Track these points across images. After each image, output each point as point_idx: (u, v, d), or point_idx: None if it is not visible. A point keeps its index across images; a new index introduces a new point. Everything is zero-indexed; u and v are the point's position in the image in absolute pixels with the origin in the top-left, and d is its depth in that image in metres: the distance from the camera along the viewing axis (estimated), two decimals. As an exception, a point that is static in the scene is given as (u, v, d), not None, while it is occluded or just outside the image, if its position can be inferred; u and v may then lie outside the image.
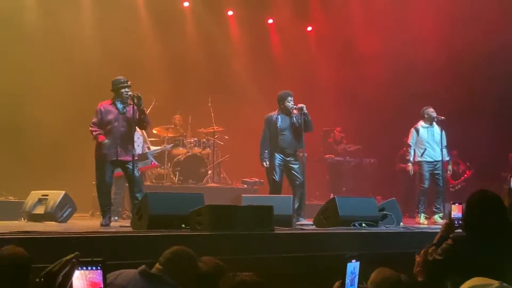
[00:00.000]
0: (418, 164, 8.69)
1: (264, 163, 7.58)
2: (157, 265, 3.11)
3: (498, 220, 3.30)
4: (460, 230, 3.54)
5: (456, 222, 3.64)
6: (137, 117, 6.61)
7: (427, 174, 8.51)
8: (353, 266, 2.39)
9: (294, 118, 7.56)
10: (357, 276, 2.43)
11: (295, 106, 7.53)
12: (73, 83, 10.40)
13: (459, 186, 10.99)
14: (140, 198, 6.23)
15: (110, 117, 6.63)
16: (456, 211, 3.69)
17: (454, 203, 3.73)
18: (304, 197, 7.59)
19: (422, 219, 8.34)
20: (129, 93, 6.65)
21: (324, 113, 11.25)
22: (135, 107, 6.58)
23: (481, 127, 11.08)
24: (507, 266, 3.15)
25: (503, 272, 3.05)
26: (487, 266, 3.09)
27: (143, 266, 3.07)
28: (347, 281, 2.34)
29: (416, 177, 10.25)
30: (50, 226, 6.28)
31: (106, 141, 6.55)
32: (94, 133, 6.65)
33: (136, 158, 6.87)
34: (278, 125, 7.50)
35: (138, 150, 7.96)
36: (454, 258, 3.28)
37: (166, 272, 3.03)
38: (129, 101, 6.66)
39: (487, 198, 3.38)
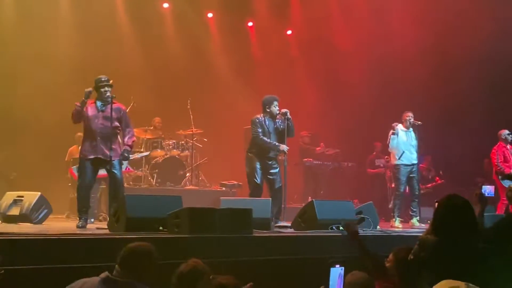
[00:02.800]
0: (395, 168, 8.75)
1: (282, 148, 7.49)
2: (117, 267, 3.08)
3: (465, 223, 3.38)
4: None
5: None
6: (116, 116, 6.67)
7: (403, 178, 8.58)
8: (337, 271, 2.40)
9: (278, 123, 7.60)
10: (342, 281, 2.44)
11: (279, 111, 7.57)
12: (47, 86, 10.25)
13: (423, 191, 11.10)
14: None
15: (90, 114, 6.63)
16: None
17: (437, 202, 3.78)
18: (283, 201, 7.60)
19: (397, 222, 8.42)
20: (108, 93, 6.63)
21: (303, 116, 11.30)
22: (122, 106, 6.70)
23: (458, 132, 11.24)
24: (473, 266, 3.21)
25: (469, 273, 3.12)
26: (454, 267, 3.16)
27: (105, 273, 3.03)
28: (331, 284, 2.36)
29: (389, 180, 10.37)
30: (25, 228, 6.18)
31: (88, 89, 6.54)
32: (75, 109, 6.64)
33: (119, 157, 6.82)
34: (266, 128, 7.52)
35: None
36: (422, 260, 3.35)
37: (125, 272, 2.99)
38: (113, 100, 6.66)
39: (455, 202, 3.47)
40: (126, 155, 6.85)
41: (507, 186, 8.95)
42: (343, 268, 2.44)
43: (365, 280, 3.21)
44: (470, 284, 2.43)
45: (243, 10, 13.00)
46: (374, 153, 11.44)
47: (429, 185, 11.28)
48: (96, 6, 11.15)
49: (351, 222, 3.60)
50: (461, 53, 11.03)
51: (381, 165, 11.18)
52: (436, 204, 3.78)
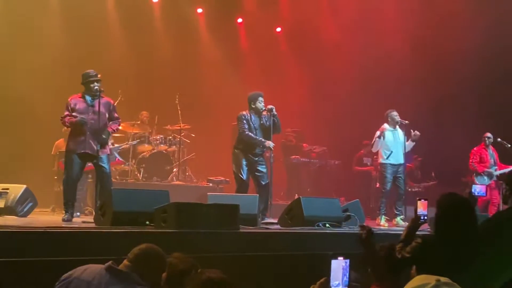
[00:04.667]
0: (381, 166, 8.78)
1: (268, 144, 7.50)
2: (125, 261, 3.09)
3: (467, 222, 3.39)
4: (427, 227, 3.62)
5: (422, 218, 3.72)
6: (106, 111, 6.63)
7: (390, 177, 8.61)
8: (339, 263, 2.38)
9: (264, 119, 7.61)
10: (347, 274, 2.43)
11: (265, 107, 7.57)
12: (33, 79, 10.16)
13: (416, 189, 11.19)
14: None
15: (80, 110, 6.58)
16: (422, 208, 3.76)
17: (420, 199, 3.80)
18: (270, 197, 7.62)
19: (382, 221, 8.46)
20: (96, 87, 6.60)
21: (290, 113, 11.32)
22: (110, 100, 6.66)
23: (446, 131, 11.29)
24: (473, 267, 3.24)
25: (468, 272, 3.14)
26: (454, 266, 3.17)
27: (110, 262, 3.04)
28: (342, 275, 2.35)
29: (375, 179, 10.41)
30: (10, 220, 6.13)
31: (79, 118, 6.49)
32: (65, 119, 6.59)
33: (108, 152, 6.79)
34: (252, 124, 7.52)
35: None
36: (422, 256, 3.36)
37: (133, 268, 3.00)
38: (102, 94, 6.62)
39: (459, 201, 3.47)
40: (104, 136, 6.68)
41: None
42: (347, 260, 2.42)
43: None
44: (441, 279, 2.45)
45: (233, 7, 12.99)
46: (362, 151, 11.44)
47: (422, 184, 11.34)
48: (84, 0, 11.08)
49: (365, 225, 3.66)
50: (451, 52, 11.07)
51: (368, 163, 11.21)
52: (420, 201, 3.79)
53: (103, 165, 6.62)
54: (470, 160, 9.68)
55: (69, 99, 6.68)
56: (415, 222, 3.72)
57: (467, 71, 11.03)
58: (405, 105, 9.73)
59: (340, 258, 2.39)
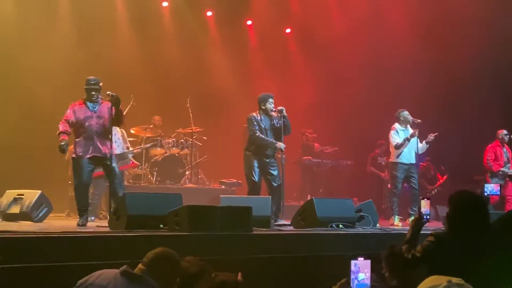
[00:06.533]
0: (392, 166, 8.69)
1: (279, 146, 7.48)
2: (140, 265, 3.11)
3: (480, 221, 3.38)
4: (435, 227, 3.58)
5: (425, 218, 3.69)
6: (112, 114, 6.63)
7: (401, 177, 8.53)
8: (358, 264, 2.38)
9: (274, 120, 7.61)
10: (368, 273, 2.42)
11: (275, 109, 7.58)
12: (47, 84, 10.25)
13: (435, 191, 11.11)
14: (120, 194, 6.26)
15: (82, 116, 6.64)
16: (426, 207, 3.74)
17: (423, 199, 3.78)
18: (282, 199, 7.62)
19: (396, 220, 8.41)
20: (94, 98, 6.64)
21: (302, 115, 11.31)
22: (110, 104, 6.65)
23: (457, 129, 11.22)
24: (486, 265, 3.22)
25: (481, 271, 3.12)
26: (466, 265, 3.16)
27: (124, 266, 3.07)
28: (353, 278, 2.35)
29: (386, 182, 10.30)
30: (25, 226, 6.19)
31: (63, 143, 6.60)
32: (60, 127, 6.65)
33: (115, 154, 6.84)
34: (262, 125, 7.53)
35: (118, 150, 7.94)
36: (434, 255, 3.33)
37: (148, 272, 3.03)
38: (101, 100, 6.69)
39: (469, 198, 3.45)
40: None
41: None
42: (357, 262, 2.41)
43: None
44: (453, 280, 2.44)
45: (242, 9, 13.02)
46: (377, 150, 11.34)
47: (437, 184, 11.26)
48: (95, 4, 11.16)
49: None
50: (462, 48, 10.98)
51: (383, 163, 11.09)
52: (423, 199, 3.76)
53: (112, 165, 6.66)
54: (485, 158, 9.42)
55: (70, 106, 6.72)
56: (419, 221, 3.69)
57: (478, 71, 10.95)
58: (418, 102, 9.66)
59: (361, 259, 2.38)
